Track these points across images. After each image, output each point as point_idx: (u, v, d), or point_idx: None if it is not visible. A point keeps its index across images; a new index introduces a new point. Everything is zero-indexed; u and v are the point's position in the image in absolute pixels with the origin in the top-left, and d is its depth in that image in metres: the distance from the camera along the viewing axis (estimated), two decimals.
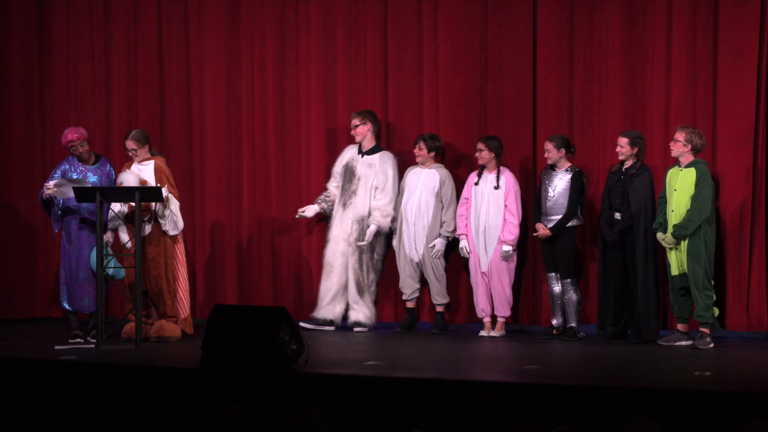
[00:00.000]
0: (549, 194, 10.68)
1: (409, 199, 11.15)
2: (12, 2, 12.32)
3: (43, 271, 12.29)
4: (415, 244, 11.13)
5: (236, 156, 11.92)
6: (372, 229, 11.21)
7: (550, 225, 10.64)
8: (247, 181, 11.90)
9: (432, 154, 11.11)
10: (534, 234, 10.76)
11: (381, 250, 11.34)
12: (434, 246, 11.07)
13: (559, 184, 10.65)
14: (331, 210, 11.41)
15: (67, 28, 12.27)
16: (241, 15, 11.87)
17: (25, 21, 12.31)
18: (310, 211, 11.42)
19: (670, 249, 10.10)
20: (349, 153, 11.39)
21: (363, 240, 11.18)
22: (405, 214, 11.16)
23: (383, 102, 11.55)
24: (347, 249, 11.29)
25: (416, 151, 11.13)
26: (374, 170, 11.27)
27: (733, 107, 10.50)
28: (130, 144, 10.73)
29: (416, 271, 11.20)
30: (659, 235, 10.14)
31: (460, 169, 11.27)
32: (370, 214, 11.24)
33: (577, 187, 10.61)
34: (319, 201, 11.44)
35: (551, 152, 10.65)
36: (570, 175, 10.63)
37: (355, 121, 11.25)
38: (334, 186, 11.44)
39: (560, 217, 10.61)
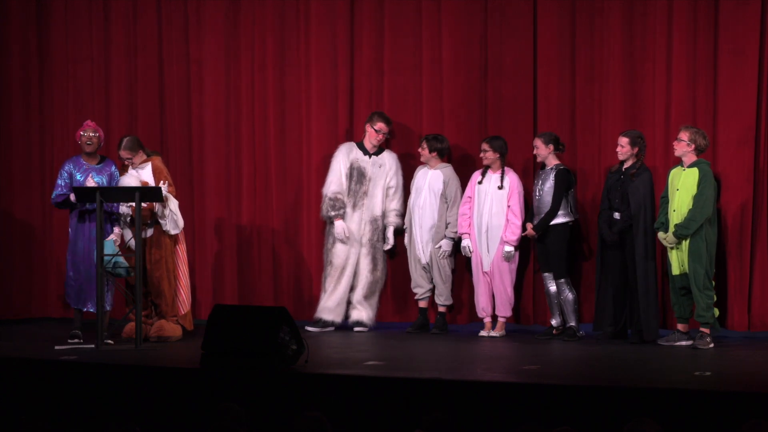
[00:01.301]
0: (536, 194, 10.72)
1: (417, 199, 11.15)
2: (11, 2, 12.31)
3: (41, 272, 12.27)
4: (422, 245, 11.12)
5: (236, 156, 11.92)
6: (391, 231, 11.25)
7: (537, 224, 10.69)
8: (247, 181, 11.89)
9: (434, 154, 11.10)
10: (522, 233, 10.77)
11: (392, 250, 11.36)
12: (440, 247, 11.07)
13: (546, 182, 10.67)
14: None
15: (66, 28, 12.26)
16: (241, 15, 11.86)
17: (24, 21, 12.30)
18: (346, 229, 11.28)
19: (671, 248, 10.10)
20: (352, 153, 11.33)
21: (386, 244, 11.23)
22: (413, 215, 11.16)
23: (383, 102, 11.54)
24: (359, 250, 11.27)
25: (419, 150, 11.14)
26: (384, 170, 11.26)
27: (733, 107, 10.50)
28: (123, 154, 10.68)
29: (426, 272, 11.19)
30: (660, 235, 10.14)
31: (460, 169, 11.26)
32: (384, 215, 11.24)
33: (560, 184, 10.61)
34: (341, 214, 11.23)
35: (539, 148, 10.67)
36: (554, 173, 10.64)
37: (387, 129, 11.22)
38: (342, 187, 11.28)
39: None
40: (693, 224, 9.96)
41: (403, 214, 11.29)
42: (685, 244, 10.02)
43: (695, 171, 10.03)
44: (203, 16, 11.94)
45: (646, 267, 10.27)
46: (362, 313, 11.26)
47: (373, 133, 11.22)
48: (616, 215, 10.41)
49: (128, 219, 10.58)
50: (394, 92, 11.52)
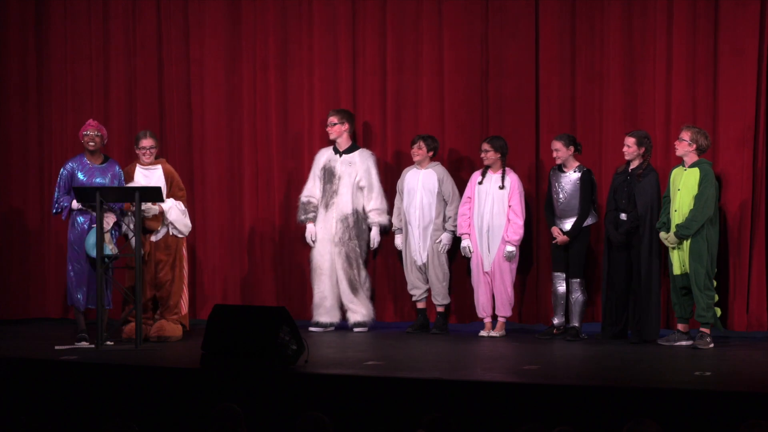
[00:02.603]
0: (560, 197, 10.65)
1: (411, 201, 11.14)
2: (10, 1, 12.30)
3: (39, 272, 12.26)
4: (420, 246, 11.12)
5: (237, 156, 11.92)
6: (375, 230, 11.23)
7: (566, 228, 10.61)
8: (249, 181, 11.89)
9: (430, 153, 11.11)
10: (553, 242, 10.70)
11: (365, 245, 11.33)
12: (441, 241, 11.07)
13: (569, 185, 10.61)
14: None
15: (65, 28, 12.25)
16: (242, 15, 11.86)
17: (23, 20, 12.29)
18: (313, 234, 11.36)
19: (673, 248, 10.10)
20: (325, 155, 11.37)
21: (372, 244, 11.22)
22: (408, 217, 11.15)
23: (384, 102, 11.55)
24: (333, 249, 11.27)
25: (415, 150, 11.12)
26: (355, 168, 11.26)
27: (733, 107, 10.50)
28: (149, 142, 10.72)
29: (422, 273, 11.19)
30: (662, 235, 10.14)
31: (462, 169, 11.27)
32: (355, 213, 11.22)
33: (587, 187, 10.57)
34: (310, 218, 11.32)
35: (560, 151, 10.61)
36: (579, 175, 10.60)
37: (333, 119, 11.25)
38: (314, 191, 11.34)
39: (575, 219, 10.59)
40: (694, 224, 9.96)
41: (386, 211, 11.26)
42: (687, 244, 10.02)
43: (696, 171, 10.03)
44: (204, 16, 11.94)
45: (650, 268, 10.26)
46: (356, 313, 11.26)
47: (329, 129, 11.26)
48: (623, 216, 10.38)
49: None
50: (395, 92, 11.52)
